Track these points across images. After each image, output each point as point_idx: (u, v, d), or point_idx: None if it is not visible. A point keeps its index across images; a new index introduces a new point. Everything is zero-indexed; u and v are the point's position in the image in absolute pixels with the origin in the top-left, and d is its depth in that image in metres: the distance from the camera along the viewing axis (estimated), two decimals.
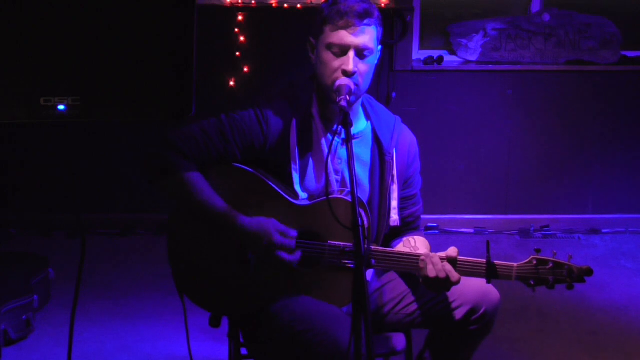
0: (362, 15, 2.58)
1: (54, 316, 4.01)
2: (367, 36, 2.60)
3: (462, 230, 5.38)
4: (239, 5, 5.04)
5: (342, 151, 2.71)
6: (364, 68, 2.61)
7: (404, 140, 2.80)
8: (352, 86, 2.57)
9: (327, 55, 2.60)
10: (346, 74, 2.58)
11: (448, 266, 2.53)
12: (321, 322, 2.50)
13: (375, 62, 2.67)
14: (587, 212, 5.47)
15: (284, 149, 2.64)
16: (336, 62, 2.60)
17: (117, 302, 4.24)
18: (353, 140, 2.68)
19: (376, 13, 2.63)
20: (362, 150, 2.73)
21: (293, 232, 2.60)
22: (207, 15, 4.99)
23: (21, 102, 2.31)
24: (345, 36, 2.58)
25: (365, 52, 2.60)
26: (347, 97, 2.50)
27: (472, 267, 2.56)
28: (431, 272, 2.53)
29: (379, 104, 2.83)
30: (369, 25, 2.60)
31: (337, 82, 2.56)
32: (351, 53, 2.59)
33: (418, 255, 2.58)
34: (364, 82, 2.64)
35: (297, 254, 2.60)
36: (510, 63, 5.30)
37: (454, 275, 2.52)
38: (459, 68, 5.31)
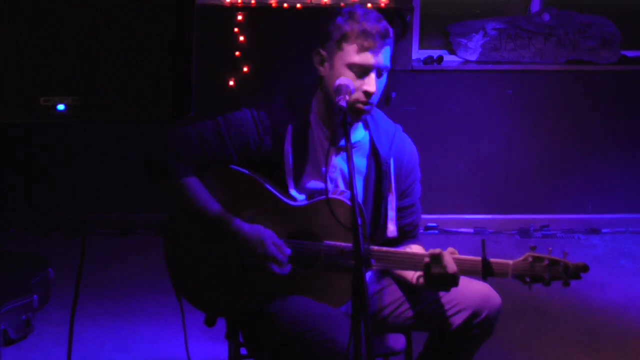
0: (384, 36, 2.58)
1: (54, 316, 4.01)
2: (387, 56, 2.61)
3: (462, 230, 5.38)
4: (239, 5, 5.04)
5: (337, 160, 2.71)
6: (381, 86, 2.63)
7: (403, 150, 2.79)
8: (364, 100, 2.59)
9: (347, 74, 2.58)
10: (368, 95, 2.58)
11: (448, 258, 2.53)
12: (319, 323, 2.50)
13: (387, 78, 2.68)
14: (587, 212, 5.47)
15: (279, 154, 2.64)
16: (357, 83, 2.58)
17: (117, 302, 4.24)
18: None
19: (392, 30, 2.63)
20: (359, 160, 2.72)
21: (288, 250, 2.61)
22: (207, 15, 4.99)
23: (21, 102, 2.31)
24: (370, 58, 2.57)
25: (384, 72, 2.61)
26: (347, 97, 2.50)
27: (469, 265, 2.56)
28: (435, 268, 2.52)
29: (380, 112, 2.82)
30: (388, 45, 2.61)
31: (337, 82, 2.55)
32: (373, 74, 2.58)
33: (417, 255, 2.59)
34: (377, 99, 2.65)
35: (287, 269, 2.61)
36: (510, 63, 5.30)
37: (452, 267, 2.51)
38: (459, 68, 5.31)
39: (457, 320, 2.65)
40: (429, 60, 5.26)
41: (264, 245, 2.58)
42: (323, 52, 2.65)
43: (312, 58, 2.69)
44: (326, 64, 2.64)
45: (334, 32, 2.61)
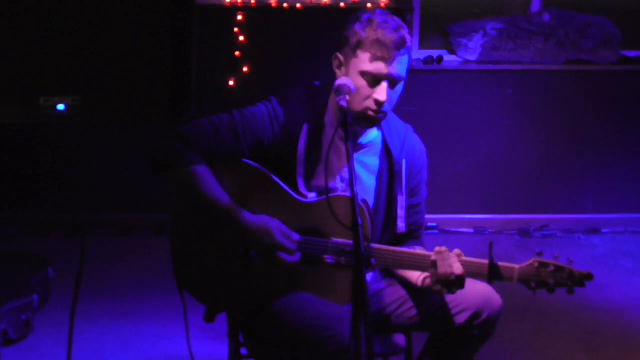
0: (400, 46, 2.57)
1: (54, 316, 4.01)
2: (402, 66, 2.59)
3: (462, 230, 5.38)
4: (239, 5, 5.04)
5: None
6: (394, 97, 2.63)
7: (414, 150, 2.81)
8: (375, 108, 2.59)
9: (360, 82, 2.58)
10: (378, 104, 2.58)
11: (454, 259, 2.53)
12: (324, 319, 2.50)
13: (403, 87, 2.66)
14: (587, 212, 5.47)
15: (292, 152, 2.65)
16: (368, 91, 2.58)
17: (117, 302, 4.24)
18: (363, 150, 2.70)
19: (409, 39, 2.62)
20: (371, 159, 2.73)
21: (296, 236, 2.60)
22: (207, 15, 4.99)
23: (21, 102, 2.31)
24: (382, 68, 2.56)
25: (398, 82, 2.61)
26: (347, 97, 2.50)
27: (475, 267, 2.56)
28: (442, 268, 2.52)
29: (392, 113, 2.82)
30: (404, 55, 2.59)
31: (337, 82, 2.55)
32: (385, 84, 2.58)
33: (422, 255, 2.59)
34: (391, 108, 2.66)
35: (297, 256, 2.60)
36: (510, 63, 5.30)
37: (458, 268, 2.51)
38: (459, 68, 5.31)
39: (458, 320, 2.65)
40: (429, 60, 5.26)
41: (271, 234, 2.57)
42: (340, 57, 2.64)
43: (331, 61, 2.67)
44: (343, 69, 2.63)
45: (351, 38, 2.60)
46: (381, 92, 2.57)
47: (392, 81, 2.59)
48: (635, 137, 5.43)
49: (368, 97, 2.58)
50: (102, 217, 5.22)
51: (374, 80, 2.58)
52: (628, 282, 4.66)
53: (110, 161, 5.24)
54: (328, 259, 2.62)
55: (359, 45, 2.58)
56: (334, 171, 2.70)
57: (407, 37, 2.60)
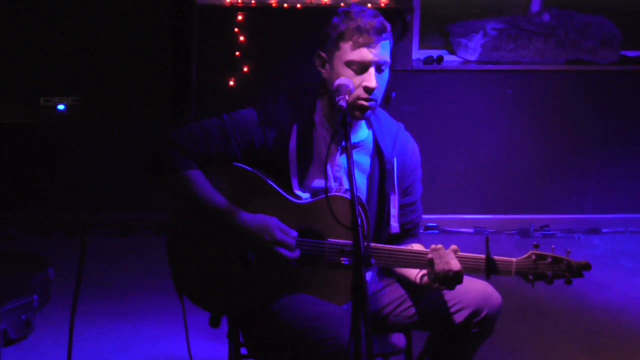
0: (381, 31, 2.59)
1: (54, 316, 4.01)
2: (385, 51, 2.61)
3: (462, 230, 5.38)
4: (239, 5, 5.04)
5: (341, 159, 2.71)
6: (382, 83, 2.64)
7: (406, 149, 2.81)
8: (365, 96, 2.59)
9: (347, 73, 2.59)
10: (368, 91, 2.58)
11: (451, 255, 2.53)
12: (322, 321, 2.51)
13: (389, 73, 2.68)
14: (587, 212, 5.47)
15: (283, 153, 2.65)
16: (357, 80, 2.59)
17: (117, 302, 4.24)
18: (354, 150, 2.70)
19: (389, 25, 2.64)
20: (362, 159, 2.74)
21: (294, 232, 2.61)
22: (207, 15, 5.00)
23: (21, 102, 2.31)
24: (366, 54, 2.58)
25: (383, 67, 2.62)
26: (346, 97, 2.51)
27: (472, 262, 2.57)
28: (438, 265, 2.52)
29: (382, 111, 2.82)
30: (386, 39, 2.61)
31: (336, 82, 2.56)
32: (372, 70, 2.59)
33: (419, 252, 2.59)
34: (381, 96, 2.66)
35: (297, 253, 2.61)
36: (510, 63, 5.31)
37: (455, 264, 2.51)
38: (459, 68, 5.31)
39: (458, 318, 2.65)
40: (429, 60, 5.26)
41: (271, 231, 2.58)
42: (323, 54, 2.67)
43: (313, 60, 2.69)
44: (327, 66, 2.66)
45: (331, 33, 2.63)
46: (370, 78, 2.59)
47: (378, 66, 2.61)
48: (635, 137, 5.43)
49: (357, 86, 2.59)
50: (102, 217, 5.22)
51: (360, 68, 2.59)
52: (628, 282, 4.66)
53: (110, 161, 5.24)
54: (325, 259, 2.63)
55: (340, 37, 2.60)
56: (326, 170, 2.69)
57: (386, 23, 2.62)
